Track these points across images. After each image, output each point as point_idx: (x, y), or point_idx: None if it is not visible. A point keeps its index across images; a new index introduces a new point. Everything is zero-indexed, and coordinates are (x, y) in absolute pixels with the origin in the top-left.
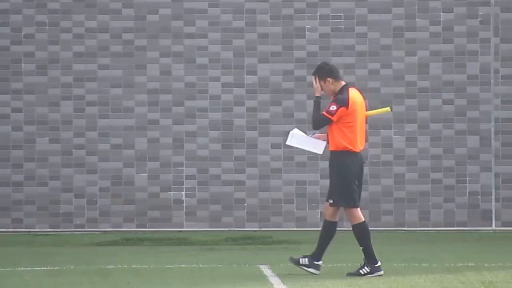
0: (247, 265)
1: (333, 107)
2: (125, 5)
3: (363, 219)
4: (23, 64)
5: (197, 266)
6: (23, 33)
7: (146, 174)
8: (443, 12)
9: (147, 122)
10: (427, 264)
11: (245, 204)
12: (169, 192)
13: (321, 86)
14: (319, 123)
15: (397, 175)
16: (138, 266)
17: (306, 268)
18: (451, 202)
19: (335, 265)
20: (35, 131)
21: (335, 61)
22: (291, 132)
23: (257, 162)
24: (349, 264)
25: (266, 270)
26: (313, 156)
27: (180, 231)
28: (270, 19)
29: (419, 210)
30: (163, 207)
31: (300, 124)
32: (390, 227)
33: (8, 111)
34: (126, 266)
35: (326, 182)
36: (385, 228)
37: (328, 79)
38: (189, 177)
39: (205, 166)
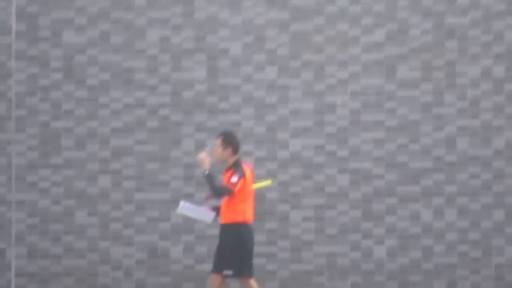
0: None
1: (235, 178)
2: (161, 81)
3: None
4: (62, 139)
5: None
6: (62, 109)
7: (182, 246)
8: (470, 88)
9: (182, 196)
10: None
11: (277, 276)
12: (204, 264)
13: (218, 149)
14: (223, 192)
15: (425, 248)
16: None
17: None
18: (477, 274)
19: None
20: (73, 205)
21: (364, 136)
22: (181, 203)
23: (288, 234)
24: None
25: None
26: (343, 229)
27: None
28: (302, 95)
29: (446, 282)
30: (198, 279)
31: (330, 197)
32: None
33: (48, 185)
34: None
35: (356, 254)
36: None
37: (230, 148)
38: None
39: None
